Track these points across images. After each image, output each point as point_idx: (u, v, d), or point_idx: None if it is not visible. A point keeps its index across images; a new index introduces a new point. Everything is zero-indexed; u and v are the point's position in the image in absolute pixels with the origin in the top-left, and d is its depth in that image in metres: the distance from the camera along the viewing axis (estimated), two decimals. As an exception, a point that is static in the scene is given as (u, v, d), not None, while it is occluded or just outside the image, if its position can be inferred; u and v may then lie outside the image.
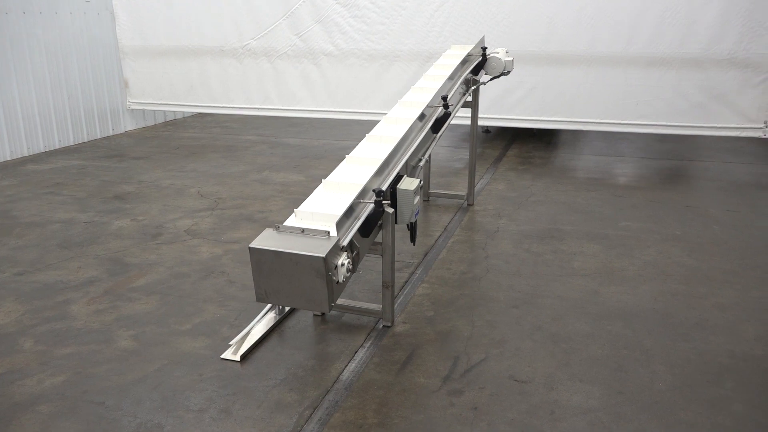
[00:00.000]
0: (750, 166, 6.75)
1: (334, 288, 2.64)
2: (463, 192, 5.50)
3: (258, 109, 7.98)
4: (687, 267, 4.10)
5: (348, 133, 8.35)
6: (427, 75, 4.79)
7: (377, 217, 3.00)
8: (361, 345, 3.20)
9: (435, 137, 4.11)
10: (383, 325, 3.38)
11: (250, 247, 2.62)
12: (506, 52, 5.29)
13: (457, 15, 7.02)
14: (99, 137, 8.18)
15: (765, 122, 6.45)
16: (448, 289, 3.81)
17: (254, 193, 5.75)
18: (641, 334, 3.28)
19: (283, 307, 3.55)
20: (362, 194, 2.99)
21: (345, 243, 2.71)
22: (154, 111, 9.13)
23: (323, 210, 2.89)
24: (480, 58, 5.13)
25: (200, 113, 9.72)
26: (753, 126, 6.48)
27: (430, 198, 5.55)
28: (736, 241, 4.56)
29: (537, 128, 7.71)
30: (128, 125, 8.69)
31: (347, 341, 3.24)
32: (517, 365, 3.01)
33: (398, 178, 3.32)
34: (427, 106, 4.03)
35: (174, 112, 9.49)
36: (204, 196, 5.65)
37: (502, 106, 7.14)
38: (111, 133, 8.39)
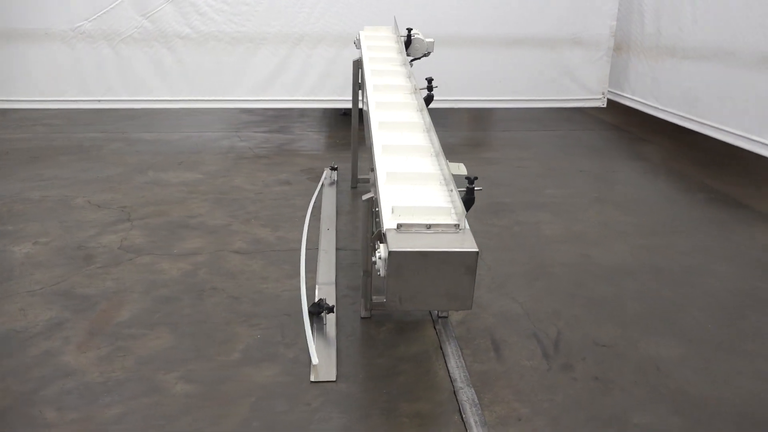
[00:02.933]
0: (590, 132, 7.75)
1: (473, 282, 2.51)
2: (391, 175, 5.47)
3: (100, 101, 6.92)
4: (631, 224, 4.65)
5: (201, 124, 7.69)
6: (371, 58, 4.65)
7: (468, 206, 2.89)
8: (439, 340, 3.08)
9: (418, 121, 4.03)
10: (439, 317, 3.29)
11: (391, 251, 2.35)
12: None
13: (328, -5, 6.85)
14: None
15: (603, 93, 7.46)
16: (462, 271, 3.81)
17: (160, 197, 5.04)
18: (654, 286, 3.68)
19: (323, 314, 3.24)
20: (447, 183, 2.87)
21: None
22: (-59, 109, 7.37)
23: (420, 203, 2.73)
24: (405, 39, 5.11)
25: (-3, 110, 8.08)
26: (594, 97, 7.46)
27: (359, 184, 5.41)
28: (644, 197, 5.27)
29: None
30: None
31: (420, 339, 3.10)
32: (591, 331, 3.18)
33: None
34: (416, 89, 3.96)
35: (-34, 109, 7.76)
36: (102, 207, 4.80)
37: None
38: None
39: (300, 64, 6.99)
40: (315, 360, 2.83)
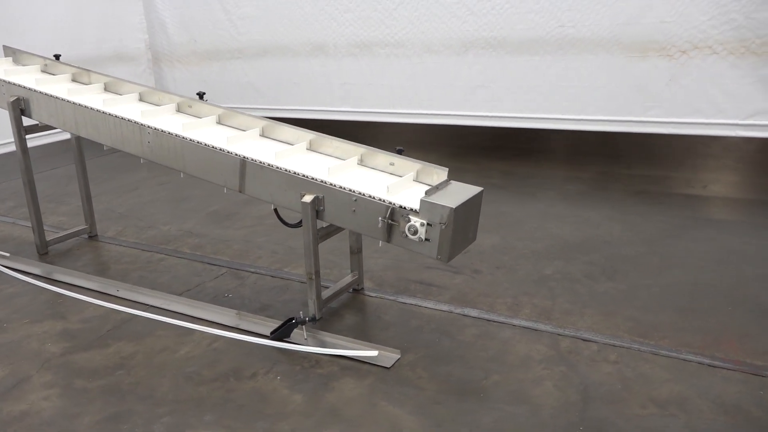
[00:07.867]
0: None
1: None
2: (76, 226, 4.71)
3: None
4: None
5: None
6: (71, 90, 3.98)
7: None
8: (392, 300, 3.45)
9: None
10: (357, 289, 3.59)
11: (454, 209, 2.73)
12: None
13: None
14: None
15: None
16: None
17: None
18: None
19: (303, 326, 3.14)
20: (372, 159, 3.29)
21: (444, 185, 3.14)
22: None
23: (392, 179, 3.11)
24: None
25: None
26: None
27: (50, 247, 4.44)
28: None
29: None
30: None
31: (383, 307, 3.40)
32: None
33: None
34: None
35: None
36: None
37: None
38: None
39: None
40: (374, 353, 2.88)
